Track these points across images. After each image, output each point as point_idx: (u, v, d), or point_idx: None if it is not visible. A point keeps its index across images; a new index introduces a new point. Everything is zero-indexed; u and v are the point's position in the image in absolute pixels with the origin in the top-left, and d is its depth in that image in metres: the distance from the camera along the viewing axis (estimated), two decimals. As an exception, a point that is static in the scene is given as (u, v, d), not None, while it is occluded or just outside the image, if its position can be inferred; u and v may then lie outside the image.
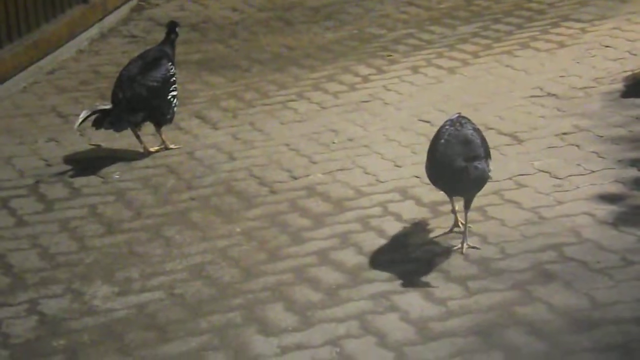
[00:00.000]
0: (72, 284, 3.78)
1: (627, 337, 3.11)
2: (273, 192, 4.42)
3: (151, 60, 4.93)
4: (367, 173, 4.50)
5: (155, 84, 4.85)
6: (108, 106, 4.85)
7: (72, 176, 4.73)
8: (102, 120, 4.80)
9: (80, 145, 5.04)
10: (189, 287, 3.69)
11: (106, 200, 4.48)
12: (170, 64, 4.95)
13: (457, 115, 3.85)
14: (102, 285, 3.75)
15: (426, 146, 3.86)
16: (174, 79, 4.94)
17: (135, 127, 4.88)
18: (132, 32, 6.86)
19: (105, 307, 3.60)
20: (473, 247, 3.70)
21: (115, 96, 4.87)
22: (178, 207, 4.36)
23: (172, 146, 5.00)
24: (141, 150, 4.93)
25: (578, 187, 4.16)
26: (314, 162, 4.68)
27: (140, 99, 4.82)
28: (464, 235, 3.73)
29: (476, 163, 3.57)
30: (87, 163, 4.87)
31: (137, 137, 4.92)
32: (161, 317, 3.51)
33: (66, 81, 6.01)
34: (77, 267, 3.91)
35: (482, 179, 3.62)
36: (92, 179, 4.71)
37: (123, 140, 5.03)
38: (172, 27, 5.04)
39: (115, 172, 4.77)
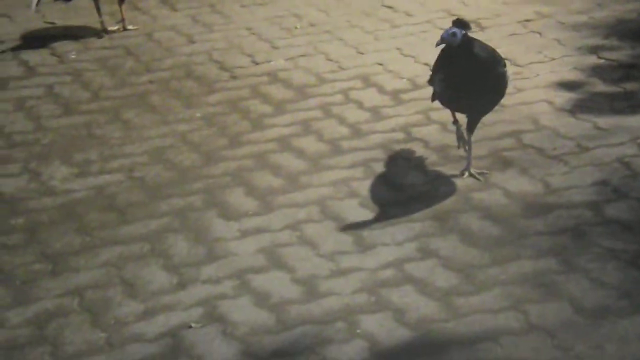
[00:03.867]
0: (29, 163, 3.74)
1: (579, 220, 3.20)
2: (234, 77, 4.36)
3: None
4: (329, 59, 4.46)
5: None
6: None
7: (26, 54, 4.61)
8: None
9: (35, 22, 4.88)
10: (148, 170, 3.68)
11: (63, 80, 4.38)
12: None
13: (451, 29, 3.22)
14: (60, 166, 3.72)
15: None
16: None
17: None
18: None
19: (63, 187, 3.58)
20: (480, 173, 3.45)
21: None
22: (137, 90, 4.29)
23: (130, 27, 4.87)
24: (99, 27, 4.80)
25: (538, 75, 4.17)
26: (276, 48, 4.61)
27: None
28: (468, 158, 3.46)
29: (505, 68, 3.24)
30: (42, 41, 4.73)
31: (98, 9, 4.78)
32: (120, 199, 3.50)
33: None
34: (33, 147, 3.86)
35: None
36: (48, 58, 4.59)
37: (79, 19, 4.88)
38: None
39: (72, 51, 4.65)
